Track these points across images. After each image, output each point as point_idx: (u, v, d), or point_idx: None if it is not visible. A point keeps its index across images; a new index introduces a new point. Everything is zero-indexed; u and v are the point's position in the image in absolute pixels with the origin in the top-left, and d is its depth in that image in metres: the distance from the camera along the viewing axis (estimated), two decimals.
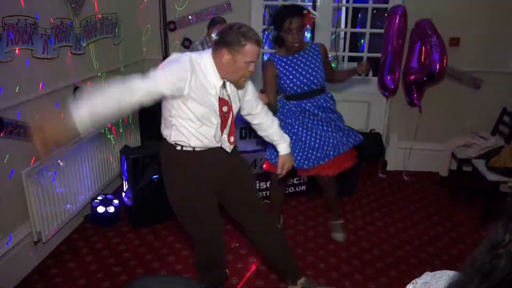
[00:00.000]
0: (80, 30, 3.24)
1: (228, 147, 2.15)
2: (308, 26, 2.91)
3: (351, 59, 4.83)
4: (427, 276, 1.04)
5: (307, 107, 2.86)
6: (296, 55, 2.81)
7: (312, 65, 2.81)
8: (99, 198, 3.40)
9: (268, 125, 2.36)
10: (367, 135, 4.43)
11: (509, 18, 3.95)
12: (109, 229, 3.33)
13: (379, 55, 4.27)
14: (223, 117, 2.07)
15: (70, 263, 2.93)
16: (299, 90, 2.82)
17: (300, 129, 2.90)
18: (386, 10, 4.26)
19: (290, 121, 2.90)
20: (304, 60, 2.81)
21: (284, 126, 2.81)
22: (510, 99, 4.10)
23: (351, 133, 3.07)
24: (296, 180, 3.86)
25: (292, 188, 3.89)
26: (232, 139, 2.15)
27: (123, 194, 3.45)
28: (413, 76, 3.95)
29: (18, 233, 2.72)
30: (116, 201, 3.43)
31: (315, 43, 2.98)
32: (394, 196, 4.01)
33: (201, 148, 2.10)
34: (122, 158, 3.40)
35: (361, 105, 4.66)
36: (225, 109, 2.07)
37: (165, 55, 3.79)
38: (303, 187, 3.92)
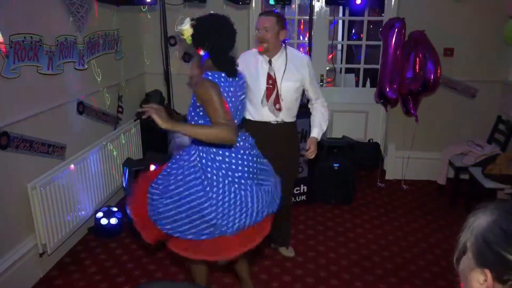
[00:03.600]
0: (83, 46, 3.33)
1: (275, 112, 2.77)
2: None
3: (348, 70, 4.93)
4: None
5: None
6: None
7: None
8: (103, 210, 3.45)
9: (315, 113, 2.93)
10: (365, 145, 4.52)
11: (501, 28, 4.04)
12: (112, 240, 3.38)
13: (375, 66, 4.37)
14: (269, 87, 2.73)
15: (75, 275, 2.97)
16: None
17: None
18: (380, 22, 4.36)
19: None
20: None
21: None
22: (504, 108, 4.17)
23: None
24: (296, 190, 3.92)
25: (292, 198, 3.94)
26: (277, 106, 2.76)
27: (126, 206, 3.50)
28: (408, 87, 4.03)
29: (24, 245, 2.77)
30: (119, 213, 3.48)
31: None
32: (393, 205, 4.07)
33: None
34: (125, 170, 3.47)
35: (359, 115, 4.74)
36: (270, 82, 2.73)
37: (166, 70, 3.87)
38: (303, 197, 3.98)
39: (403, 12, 4.18)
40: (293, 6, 4.53)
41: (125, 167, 3.47)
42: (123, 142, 3.97)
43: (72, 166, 3.14)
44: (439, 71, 3.85)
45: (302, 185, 3.93)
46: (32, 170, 2.80)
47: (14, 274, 2.66)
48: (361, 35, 4.70)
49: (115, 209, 3.51)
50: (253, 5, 4.40)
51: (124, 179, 3.52)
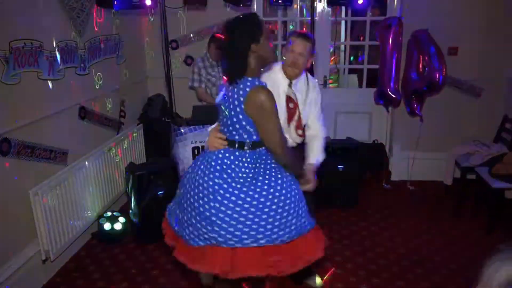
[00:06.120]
0: (84, 51, 3.32)
1: (297, 138, 2.50)
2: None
3: (351, 71, 4.89)
4: None
5: None
6: None
7: None
8: (106, 215, 3.43)
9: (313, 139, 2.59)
10: (370, 146, 4.47)
11: (505, 26, 4.00)
12: (116, 245, 3.36)
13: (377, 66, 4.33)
14: (289, 112, 2.44)
15: (78, 281, 2.95)
16: None
17: None
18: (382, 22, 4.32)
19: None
20: None
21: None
22: (510, 106, 4.11)
23: None
24: None
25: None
26: (299, 131, 2.50)
27: (130, 211, 3.49)
28: (412, 86, 3.99)
29: (27, 252, 2.76)
30: (122, 218, 3.46)
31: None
32: (399, 206, 4.02)
33: None
34: (128, 175, 3.45)
35: (363, 116, 4.70)
36: (291, 105, 2.46)
37: (168, 73, 3.86)
38: None
39: (406, 11, 4.15)
40: (295, 5, 4.51)
41: (128, 172, 3.45)
42: (126, 146, 3.96)
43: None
44: (444, 70, 3.80)
45: None
46: (34, 177, 2.79)
47: (17, 281, 2.65)
48: (361, 37, 4.65)
49: (118, 214, 3.49)
50: (254, 6, 4.38)
51: (127, 184, 3.50)
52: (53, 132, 2.98)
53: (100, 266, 3.13)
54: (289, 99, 2.47)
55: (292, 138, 2.49)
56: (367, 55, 4.55)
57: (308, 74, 2.61)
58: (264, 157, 1.97)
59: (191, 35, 4.51)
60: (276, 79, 2.43)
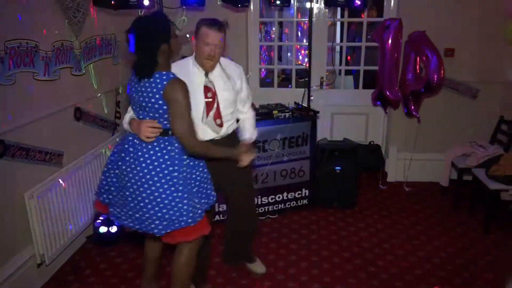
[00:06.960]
0: (80, 52, 3.28)
1: (217, 129, 2.48)
2: None
3: (347, 72, 4.89)
4: None
5: None
6: None
7: None
8: (101, 218, 3.39)
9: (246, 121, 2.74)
10: (366, 147, 4.47)
11: (501, 28, 4.01)
12: (112, 248, 3.32)
13: (375, 67, 4.33)
14: (208, 101, 2.43)
15: (74, 285, 2.91)
16: None
17: None
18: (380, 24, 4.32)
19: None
20: None
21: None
22: (507, 108, 4.14)
23: None
24: (298, 194, 3.87)
25: (294, 202, 3.89)
26: (218, 121, 2.47)
27: None
28: (410, 88, 3.99)
29: (21, 256, 2.71)
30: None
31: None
32: (396, 207, 4.02)
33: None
34: None
35: (359, 117, 4.70)
36: (209, 95, 2.43)
37: None
38: (305, 201, 3.92)
39: (403, 12, 4.15)
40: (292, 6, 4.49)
41: None
42: None
43: (63, 183, 3.09)
44: (442, 71, 3.81)
45: (303, 189, 3.88)
46: (29, 179, 2.74)
47: (12, 286, 2.59)
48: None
49: None
50: (251, 7, 4.36)
51: None
52: (49, 134, 2.93)
53: (96, 269, 3.08)
54: (206, 89, 2.43)
55: (211, 128, 2.47)
56: (363, 57, 4.54)
57: (222, 59, 2.53)
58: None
59: (188, 35, 4.47)
60: (191, 73, 2.41)
